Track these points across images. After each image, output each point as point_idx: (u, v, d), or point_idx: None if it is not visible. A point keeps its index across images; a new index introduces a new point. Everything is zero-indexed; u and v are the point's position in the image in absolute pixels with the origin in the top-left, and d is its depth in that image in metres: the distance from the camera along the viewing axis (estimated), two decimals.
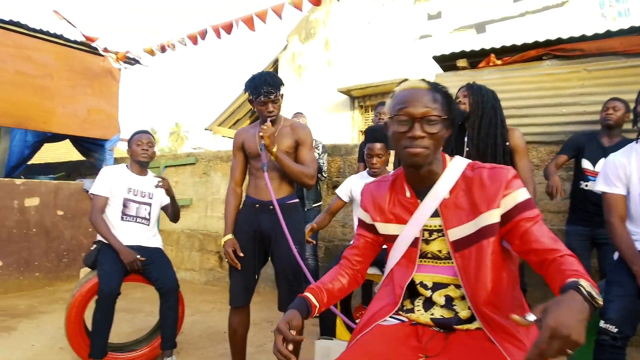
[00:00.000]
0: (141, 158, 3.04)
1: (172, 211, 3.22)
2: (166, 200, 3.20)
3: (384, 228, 1.40)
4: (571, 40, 3.85)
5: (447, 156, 1.34)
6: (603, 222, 2.24)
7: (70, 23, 5.55)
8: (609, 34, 3.74)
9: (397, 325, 1.34)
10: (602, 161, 3.09)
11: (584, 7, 7.13)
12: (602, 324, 1.92)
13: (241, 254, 2.50)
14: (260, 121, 2.56)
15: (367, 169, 3.10)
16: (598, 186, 2.27)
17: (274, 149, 2.40)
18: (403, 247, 1.35)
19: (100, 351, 2.68)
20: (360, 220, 1.50)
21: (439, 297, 1.31)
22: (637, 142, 2.21)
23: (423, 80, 1.29)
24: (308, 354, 2.78)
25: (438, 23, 8.44)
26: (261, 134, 2.38)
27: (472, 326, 1.25)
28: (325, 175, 4.56)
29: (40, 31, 5.50)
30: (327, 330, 2.91)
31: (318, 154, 4.28)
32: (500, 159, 2.46)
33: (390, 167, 3.78)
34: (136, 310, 4.31)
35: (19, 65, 5.19)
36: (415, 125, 1.21)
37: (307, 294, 1.35)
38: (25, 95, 5.23)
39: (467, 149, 2.60)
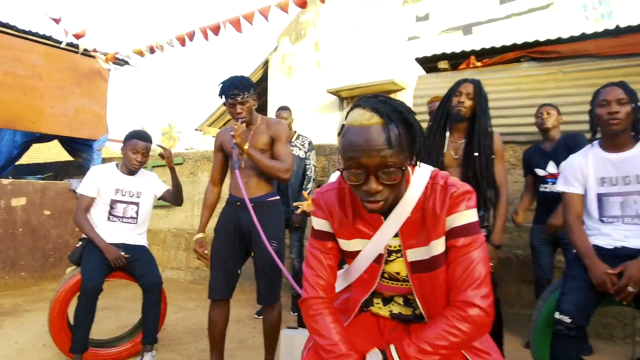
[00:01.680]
0: (133, 167, 3.00)
1: (174, 189, 3.18)
2: (161, 189, 3.22)
3: (346, 244, 1.28)
4: (548, 42, 3.94)
5: (409, 168, 1.19)
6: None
7: (64, 30, 5.57)
8: (583, 37, 3.83)
9: (360, 315, 1.38)
10: (551, 164, 3.25)
11: (568, 9, 7.25)
12: (556, 315, 2.00)
13: (206, 251, 2.58)
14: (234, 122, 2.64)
15: None
16: (558, 186, 2.36)
17: (246, 147, 2.47)
18: (365, 264, 1.27)
19: (80, 346, 2.73)
20: (317, 232, 1.32)
21: (397, 298, 1.34)
22: (592, 146, 2.30)
23: (375, 111, 1.07)
24: None
25: (426, 25, 8.54)
26: (232, 133, 2.46)
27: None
28: (315, 171, 4.42)
29: (30, 32, 5.54)
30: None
31: (305, 151, 4.31)
32: (484, 166, 2.49)
33: None
34: (120, 308, 4.36)
35: (9, 66, 5.23)
36: (370, 178, 1.07)
37: None
38: (14, 95, 5.27)
39: (456, 157, 2.58)
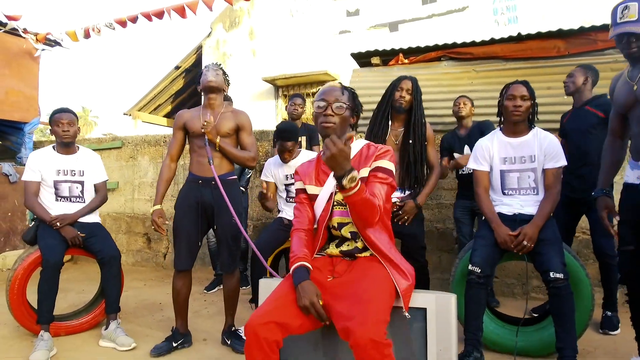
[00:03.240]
0: (64, 139, 3.11)
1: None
2: (102, 177, 3.34)
3: (311, 190, 1.89)
4: (464, 45, 4.54)
5: (354, 138, 1.85)
6: None
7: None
8: (493, 41, 4.47)
9: (318, 258, 1.84)
10: (466, 148, 3.82)
11: (480, 13, 8.08)
12: (469, 266, 2.54)
13: (166, 223, 2.88)
14: (202, 109, 2.94)
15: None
16: (470, 164, 2.91)
17: (218, 141, 2.79)
18: (324, 199, 1.83)
19: (47, 317, 2.89)
20: (298, 190, 1.95)
21: (345, 233, 1.82)
22: (496, 131, 2.87)
23: (339, 82, 1.92)
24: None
25: (356, 20, 9.05)
26: (203, 130, 2.77)
27: (368, 253, 1.77)
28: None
29: None
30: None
31: None
32: (418, 151, 2.99)
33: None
34: (67, 290, 4.41)
35: None
36: (328, 107, 1.79)
37: (303, 262, 1.70)
38: None
39: (397, 143, 3.05)
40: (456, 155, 3.89)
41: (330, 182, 1.82)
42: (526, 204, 2.71)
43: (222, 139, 2.86)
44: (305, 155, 3.60)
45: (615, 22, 2.16)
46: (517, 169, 2.75)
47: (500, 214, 2.72)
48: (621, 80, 2.34)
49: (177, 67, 10.65)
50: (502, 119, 2.85)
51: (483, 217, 2.84)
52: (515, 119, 2.69)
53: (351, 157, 1.68)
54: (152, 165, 5.96)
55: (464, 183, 3.82)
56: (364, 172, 1.78)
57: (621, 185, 2.39)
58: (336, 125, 1.80)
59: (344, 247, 1.83)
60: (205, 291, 4.45)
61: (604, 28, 4.08)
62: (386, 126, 3.07)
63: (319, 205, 1.84)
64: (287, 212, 3.54)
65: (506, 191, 2.78)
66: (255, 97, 9.57)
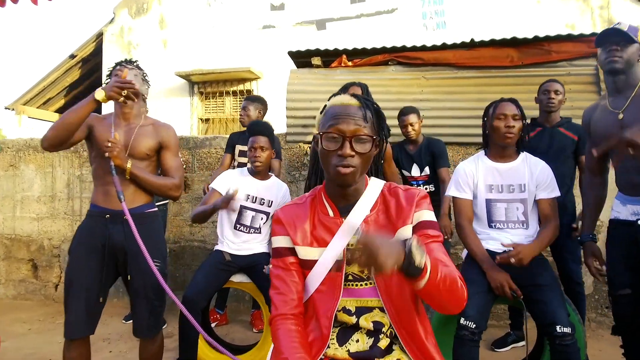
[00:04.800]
0: None
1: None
2: None
3: (304, 252, 1.29)
4: (414, 49, 4.16)
5: (366, 175, 1.35)
6: None
7: None
8: (444, 47, 4.14)
9: None
10: (415, 167, 3.49)
11: (409, 16, 7.87)
12: (462, 320, 2.09)
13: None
14: (114, 118, 2.16)
15: (249, 164, 2.89)
16: (450, 192, 2.49)
17: (129, 167, 2.06)
18: (324, 270, 1.26)
19: None
20: (277, 250, 1.34)
21: (365, 322, 1.24)
22: (480, 154, 2.48)
23: (354, 97, 1.28)
24: None
25: (281, 15, 8.42)
26: (108, 154, 2.01)
27: (393, 357, 1.20)
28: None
29: None
30: (188, 348, 2.63)
31: None
32: (373, 170, 2.47)
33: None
34: None
35: None
36: (345, 143, 1.20)
37: None
38: None
39: None
40: (404, 172, 3.48)
41: (338, 243, 1.26)
42: (517, 239, 2.33)
43: (137, 162, 2.13)
44: (277, 184, 2.95)
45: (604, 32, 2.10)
46: (504, 199, 2.38)
47: (488, 251, 2.31)
48: (599, 111, 2.15)
49: (73, 56, 9.22)
50: (487, 142, 2.47)
51: (465, 253, 2.43)
52: (509, 141, 2.32)
53: (371, 207, 1.29)
54: (39, 176, 4.87)
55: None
56: (406, 232, 1.26)
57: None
58: (358, 170, 1.24)
59: (358, 346, 1.24)
60: (124, 321, 3.67)
61: (559, 39, 3.92)
62: None
63: (316, 278, 1.27)
64: (229, 244, 2.85)
65: (493, 224, 2.38)
66: (166, 94, 8.55)
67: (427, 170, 3.46)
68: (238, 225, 2.83)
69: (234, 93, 8.36)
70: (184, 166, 3.95)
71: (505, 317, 3.71)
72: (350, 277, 1.27)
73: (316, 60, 4.28)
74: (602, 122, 2.13)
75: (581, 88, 3.86)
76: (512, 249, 2.17)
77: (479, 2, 7.41)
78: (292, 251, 1.32)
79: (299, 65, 4.58)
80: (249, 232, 2.82)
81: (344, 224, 1.26)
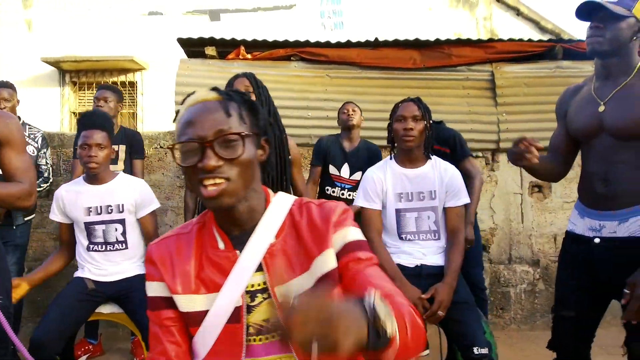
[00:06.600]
0: None
1: None
2: None
3: (187, 303, 0.97)
4: (318, 44, 3.92)
5: (269, 190, 1.06)
6: None
7: None
8: (349, 44, 3.96)
9: None
10: (345, 166, 3.21)
11: (307, 13, 7.69)
12: None
13: None
14: None
15: (84, 171, 2.36)
16: (358, 201, 2.29)
17: None
18: (218, 324, 0.95)
19: None
20: (150, 300, 1.02)
21: None
22: (391, 159, 2.29)
23: (214, 89, 0.98)
24: None
25: (169, 1, 7.72)
26: None
27: None
28: (50, 181, 3.30)
29: None
30: None
31: (37, 147, 3.14)
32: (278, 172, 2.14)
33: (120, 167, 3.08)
34: None
35: None
36: (207, 152, 0.89)
37: None
38: None
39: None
40: (331, 169, 3.19)
41: (234, 285, 0.95)
42: (428, 251, 2.20)
43: None
44: (127, 182, 2.41)
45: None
46: (414, 208, 2.21)
47: (400, 266, 2.12)
48: (581, 96, 1.80)
49: None
50: (393, 146, 2.29)
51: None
52: (408, 145, 2.15)
53: (275, 232, 0.98)
54: None
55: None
56: (326, 260, 0.96)
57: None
58: (235, 184, 0.92)
59: None
60: None
61: (459, 42, 3.95)
62: None
63: (209, 336, 0.96)
64: (90, 269, 2.32)
65: (404, 235, 2.21)
66: (31, 83, 7.37)
67: (357, 175, 3.14)
68: (91, 246, 2.32)
69: (115, 85, 7.47)
70: (47, 167, 3.24)
71: None
72: (251, 330, 0.97)
73: (210, 51, 3.84)
74: (581, 112, 1.78)
75: (478, 93, 3.93)
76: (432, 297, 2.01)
77: (375, 5, 7.47)
78: (169, 302, 0.99)
79: (191, 55, 4.09)
80: (107, 250, 2.32)
81: (241, 260, 0.96)
